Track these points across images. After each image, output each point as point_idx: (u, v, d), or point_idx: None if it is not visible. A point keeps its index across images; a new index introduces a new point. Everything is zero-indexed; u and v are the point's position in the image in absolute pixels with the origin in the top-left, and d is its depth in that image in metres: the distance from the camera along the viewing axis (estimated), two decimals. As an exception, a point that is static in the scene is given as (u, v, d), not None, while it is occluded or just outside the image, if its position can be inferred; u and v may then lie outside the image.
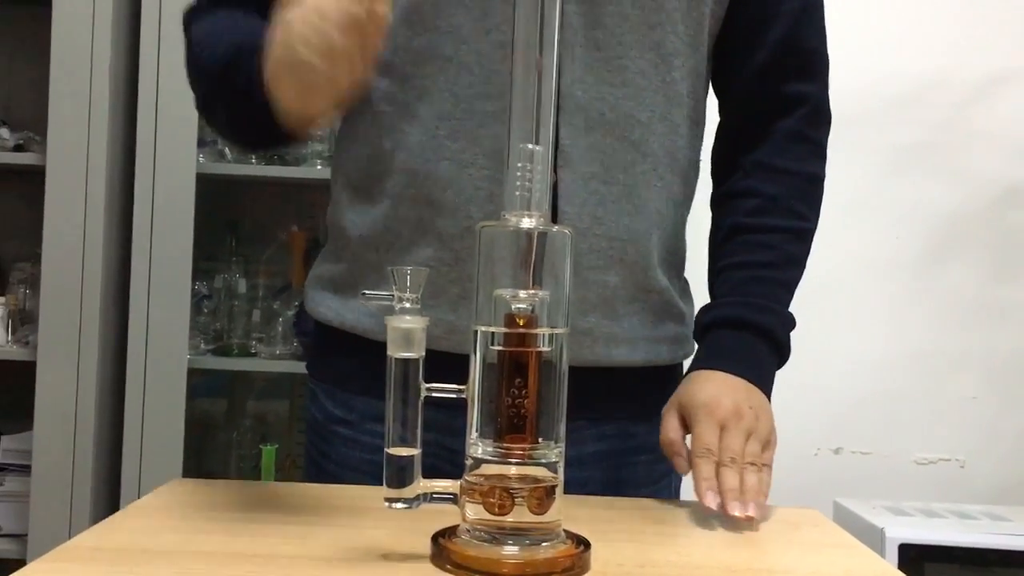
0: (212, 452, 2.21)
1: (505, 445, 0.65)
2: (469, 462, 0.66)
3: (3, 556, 1.86)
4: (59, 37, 1.84)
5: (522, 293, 0.65)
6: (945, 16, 2.17)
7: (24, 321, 2.01)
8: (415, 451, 0.65)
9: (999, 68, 2.17)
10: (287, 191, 2.23)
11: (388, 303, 0.66)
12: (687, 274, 1.02)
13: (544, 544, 0.65)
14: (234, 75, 0.81)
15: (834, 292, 2.12)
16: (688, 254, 1.02)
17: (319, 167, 2.01)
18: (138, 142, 1.88)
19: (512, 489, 0.64)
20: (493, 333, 0.65)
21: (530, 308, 0.65)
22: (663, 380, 0.96)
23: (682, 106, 0.93)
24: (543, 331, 0.66)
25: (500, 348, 0.65)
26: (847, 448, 2.16)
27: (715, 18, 0.94)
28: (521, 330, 0.65)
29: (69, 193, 1.85)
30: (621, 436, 0.96)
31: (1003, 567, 1.62)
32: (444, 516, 0.69)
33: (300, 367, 1.91)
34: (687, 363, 0.97)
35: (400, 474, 0.65)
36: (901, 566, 1.59)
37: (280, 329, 2.06)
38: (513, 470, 0.65)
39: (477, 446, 0.66)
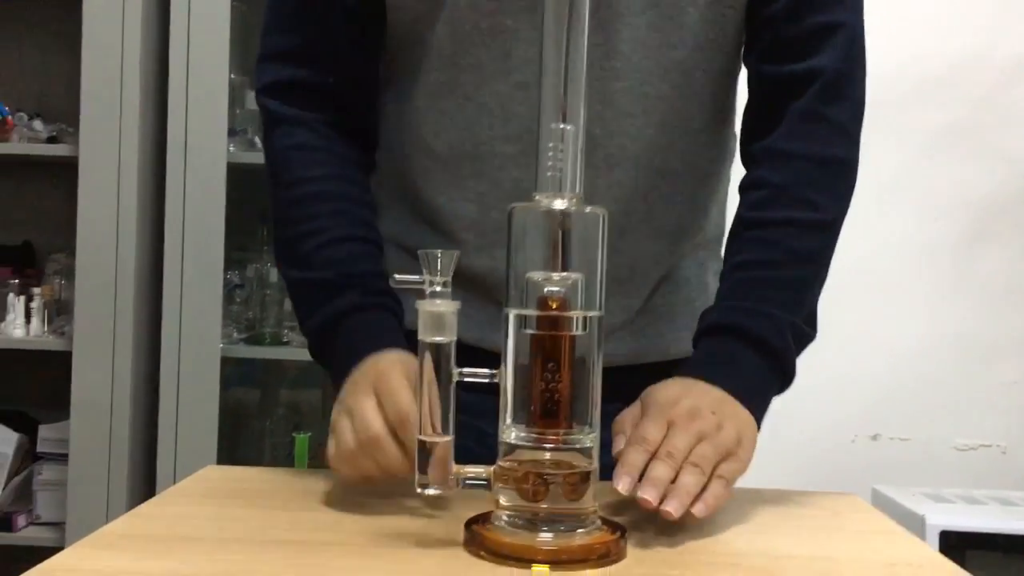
0: (246, 441, 2.22)
1: (539, 430, 0.64)
2: (502, 448, 0.65)
3: (41, 544, 1.88)
4: (90, 30, 1.85)
5: (555, 275, 0.64)
6: (983, -7, 2.13)
7: (60, 312, 2.02)
8: (447, 437, 0.64)
9: (1040, 46, 2.12)
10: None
11: (419, 287, 0.65)
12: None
13: (579, 531, 0.64)
14: (308, 302, 0.87)
15: (871, 277, 2.08)
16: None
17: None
18: (169, 133, 1.88)
19: (546, 475, 0.63)
20: (526, 316, 0.64)
21: (563, 291, 0.64)
22: None
23: (704, 111, 0.90)
24: (576, 314, 0.64)
25: (533, 332, 0.64)
26: (885, 435, 2.13)
27: (736, 8, 0.89)
28: (554, 313, 0.64)
29: (102, 184, 1.86)
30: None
31: (1047, 554, 1.59)
32: (477, 502, 0.68)
33: (332, 355, 1.90)
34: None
35: (433, 460, 0.64)
36: (942, 553, 1.55)
37: (312, 318, 2.05)
38: (547, 456, 0.64)
39: (510, 431, 0.65)
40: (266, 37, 0.92)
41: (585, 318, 0.65)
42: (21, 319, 1.96)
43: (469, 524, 0.66)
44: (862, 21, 0.88)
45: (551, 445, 0.64)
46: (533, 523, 0.64)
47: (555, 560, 0.62)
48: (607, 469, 0.68)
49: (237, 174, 1.94)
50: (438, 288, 0.64)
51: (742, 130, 0.93)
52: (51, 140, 2.00)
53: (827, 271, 0.87)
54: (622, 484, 0.67)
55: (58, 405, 1.93)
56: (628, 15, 0.84)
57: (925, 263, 2.14)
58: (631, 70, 0.85)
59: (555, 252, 0.64)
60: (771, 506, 0.81)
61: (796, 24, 0.86)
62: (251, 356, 2.05)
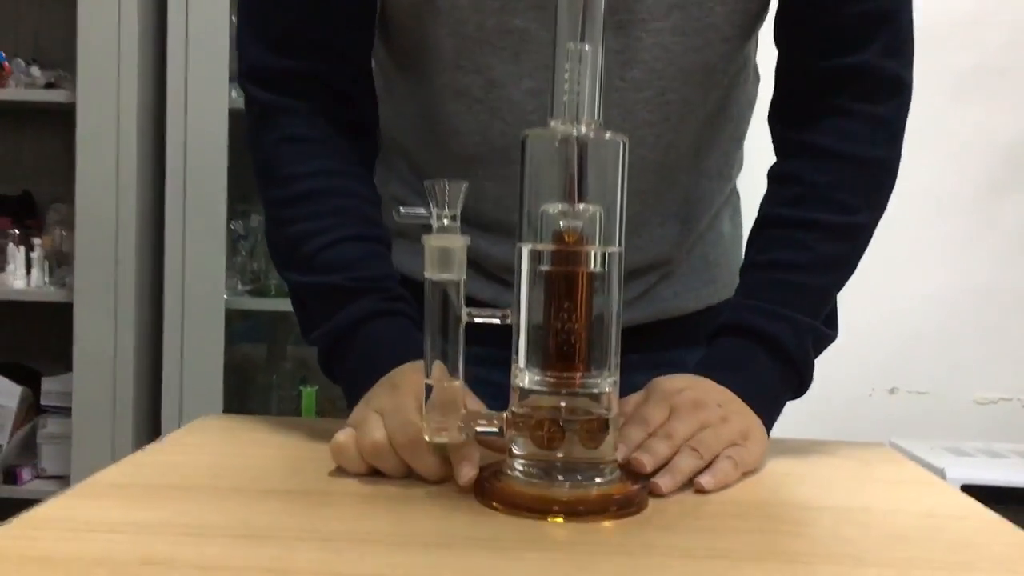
0: (253, 394, 2.20)
1: (554, 374, 0.60)
2: (515, 393, 0.61)
3: (47, 498, 1.86)
4: (86, -28, 1.80)
5: (571, 208, 0.59)
6: (1012, -70, 2.04)
7: (61, 263, 1.99)
8: (457, 381, 0.60)
9: (1070, -15, 2.04)
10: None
11: (425, 221, 0.60)
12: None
13: (597, 480, 0.60)
14: (316, 308, 0.78)
15: (891, 226, 1.99)
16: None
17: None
18: (168, 78, 1.83)
19: (563, 421, 0.59)
20: (540, 252, 0.60)
21: (580, 224, 0.59)
22: (714, 309, 0.93)
23: (724, 104, 0.86)
24: (594, 249, 0.60)
25: (547, 268, 0.60)
26: (903, 388, 2.09)
27: None
28: (570, 248, 0.59)
29: (100, 131, 1.82)
30: (674, 365, 0.91)
31: (1070, 508, 1.56)
32: (487, 453, 0.64)
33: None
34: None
35: (441, 406, 0.60)
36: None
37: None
38: (563, 401, 0.60)
39: (524, 375, 0.61)
40: (246, 16, 0.82)
41: (604, 254, 0.60)
42: (22, 270, 1.93)
43: (481, 473, 0.62)
44: (910, 7, 0.80)
45: (567, 390, 0.60)
46: (548, 472, 0.60)
47: (572, 511, 0.58)
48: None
49: (240, 120, 1.88)
50: (446, 222, 0.60)
51: (773, 115, 0.86)
52: (49, 86, 1.95)
53: (853, 273, 0.82)
54: (618, 452, 0.63)
55: (61, 358, 1.91)
56: (651, 20, 0.77)
57: (946, 211, 2.08)
58: (653, 79, 0.79)
59: (571, 182, 0.60)
60: (797, 456, 0.78)
61: (840, 14, 0.78)
62: (256, 308, 2.01)
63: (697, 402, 0.70)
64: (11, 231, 1.97)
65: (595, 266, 0.60)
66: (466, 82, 0.80)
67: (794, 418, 0.85)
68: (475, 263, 0.87)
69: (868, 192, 0.81)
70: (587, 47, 0.59)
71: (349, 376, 0.76)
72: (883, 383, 2.09)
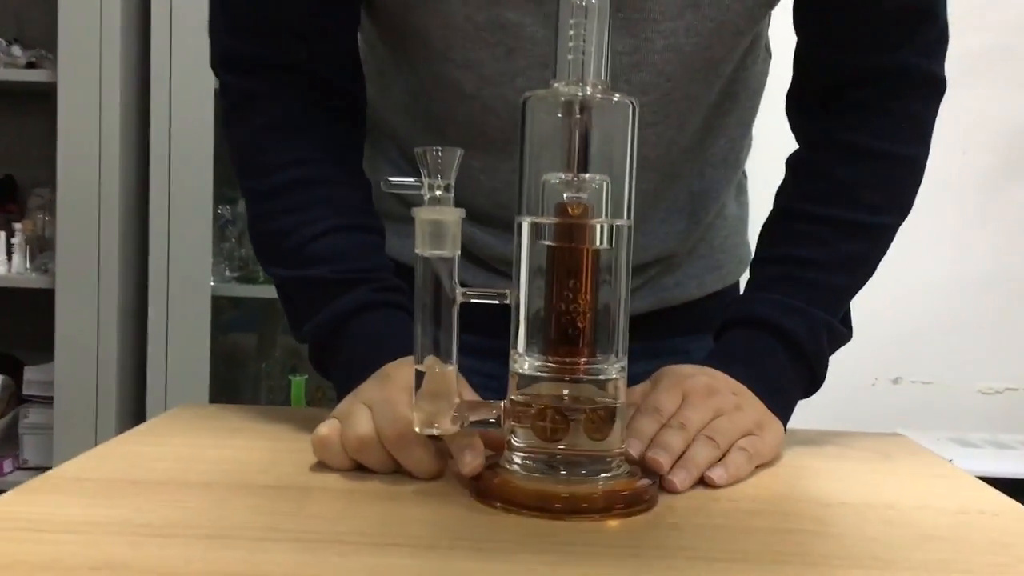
0: (242, 384, 2.15)
1: (556, 359, 0.55)
2: (514, 380, 0.56)
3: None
4: (68, -52, 1.74)
5: (576, 178, 0.54)
6: (1021, -91, 1.99)
7: (43, 248, 1.93)
8: (450, 367, 0.55)
9: (1080, -34, 1.99)
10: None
11: (415, 192, 0.55)
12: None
13: (603, 475, 0.55)
14: (305, 302, 0.73)
15: (895, 212, 1.98)
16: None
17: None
18: (152, 57, 1.77)
19: (567, 411, 0.54)
20: (541, 225, 0.55)
21: (586, 195, 0.54)
22: (719, 295, 0.89)
23: (728, 97, 0.80)
24: (601, 222, 0.55)
25: (550, 243, 0.55)
26: (907, 377, 2.04)
27: None
28: (575, 221, 0.54)
29: (82, 112, 1.76)
30: (676, 354, 0.86)
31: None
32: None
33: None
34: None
35: (433, 395, 0.55)
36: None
37: (308, 255, 1.96)
38: (566, 389, 0.55)
39: (523, 361, 0.56)
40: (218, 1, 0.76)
41: (611, 227, 0.55)
42: (2, 256, 1.88)
43: (475, 467, 0.57)
44: (946, 2, 0.75)
45: (571, 376, 0.55)
46: (550, 466, 0.55)
47: (575, 509, 0.53)
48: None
49: (226, 102, 1.83)
50: (439, 192, 0.55)
51: (793, 104, 0.81)
52: (30, 66, 1.89)
53: (872, 274, 0.78)
54: (632, 447, 0.59)
55: (43, 346, 1.85)
56: (663, 19, 0.71)
57: (951, 197, 2.03)
58: (661, 80, 0.73)
59: (576, 150, 0.55)
60: (811, 447, 0.73)
61: (878, 8, 0.73)
62: (244, 295, 1.96)
63: (710, 388, 0.66)
64: (-9, 215, 1.92)
65: (602, 241, 0.55)
66: (457, 75, 0.74)
67: (795, 408, 0.82)
68: (470, 253, 0.82)
69: (895, 192, 0.77)
70: (594, 2, 0.54)
71: (341, 372, 0.70)
72: (887, 372, 2.05)
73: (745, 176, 0.94)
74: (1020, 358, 2.04)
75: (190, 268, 1.80)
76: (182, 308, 1.81)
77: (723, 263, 0.89)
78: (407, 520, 0.52)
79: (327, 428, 0.60)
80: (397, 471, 0.59)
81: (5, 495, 0.53)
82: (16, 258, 1.88)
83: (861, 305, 0.78)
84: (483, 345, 0.74)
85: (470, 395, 0.62)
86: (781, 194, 0.79)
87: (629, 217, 0.56)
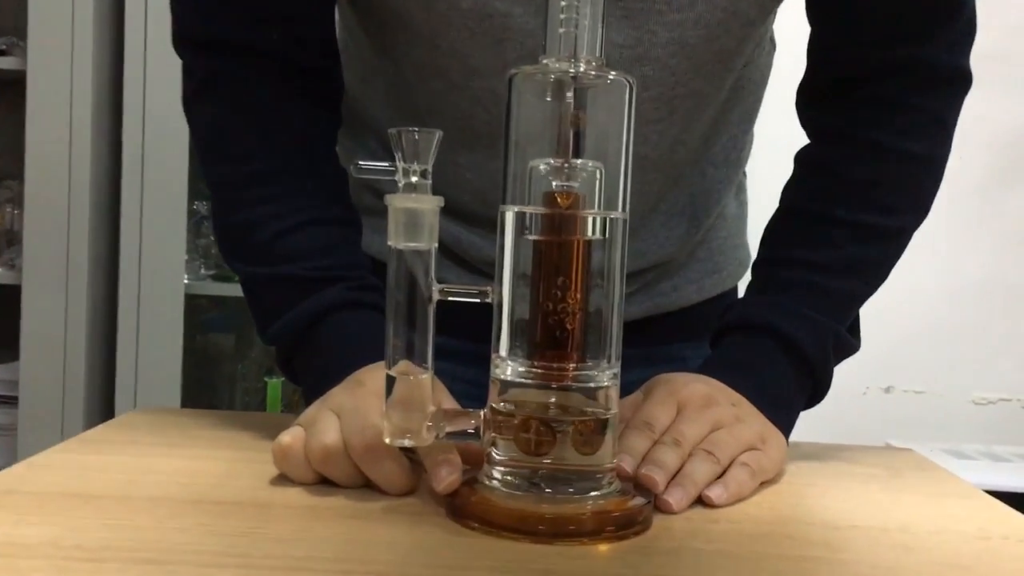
0: (217, 386, 2.09)
1: (543, 364, 0.49)
2: (495, 386, 0.51)
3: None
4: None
5: (566, 164, 0.49)
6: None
7: (11, 243, 1.87)
8: (425, 373, 0.50)
9: (1078, -31, 1.96)
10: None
11: (389, 177, 0.50)
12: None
13: (593, 493, 0.50)
14: (273, 301, 0.68)
15: (888, 217, 1.94)
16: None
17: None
18: (126, 45, 1.71)
19: (553, 422, 0.49)
20: (527, 216, 0.49)
21: (576, 184, 0.49)
22: (718, 299, 0.84)
23: (733, 90, 0.75)
24: (593, 214, 0.50)
25: (536, 237, 0.49)
26: (898, 387, 2.00)
27: None
28: (564, 212, 0.49)
29: (52, 101, 1.70)
30: (672, 360, 0.81)
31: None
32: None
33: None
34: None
35: (406, 402, 0.50)
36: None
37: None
38: (553, 398, 0.50)
39: (506, 366, 0.50)
40: None
41: (605, 220, 0.50)
42: (-32, 250, 1.80)
43: (451, 483, 0.51)
44: None
45: (558, 384, 0.50)
46: (534, 483, 0.49)
47: (561, 532, 0.48)
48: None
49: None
50: (415, 179, 0.49)
51: (805, 98, 0.76)
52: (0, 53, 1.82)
53: (884, 280, 0.73)
54: (625, 463, 0.54)
55: (9, 344, 1.79)
56: (669, 11, 0.65)
57: (947, 202, 1.97)
58: (665, 75, 0.68)
59: (567, 133, 0.49)
60: (814, 462, 0.68)
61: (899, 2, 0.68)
62: (218, 293, 1.90)
63: (708, 398, 0.61)
64: (-43, 208, 1.85)
65: (594, 234, 0.50)
66: (443, 64, 0.69)
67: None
68: (454, 254, 0.77)
69: (913, 192, 0.71)
70: (588, -30, 0.49)
71: (311, 376, 0.65)
72: (878, 381, 2.00)
73: (745, 174, 0.89)
74: (1014, 367, 2.00)
75: (163, 265, 1.74)
76: (154, 306, 1.74)
77: (722, 266, 0.84)
78: (374, 542, 0.46)
79: (290, 437, 0.55)
80: (365, 486, 0.54)
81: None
82: (-18, 252, 1.81)
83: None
84: (466, 349, 0.69)
85: (449, 403, 0.57)
86: (788, 192, 0.74)
87: (624, 210, 0.51)
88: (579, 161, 0.49)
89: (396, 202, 0.49)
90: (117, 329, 1.75)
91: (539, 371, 0.49)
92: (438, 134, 0.49)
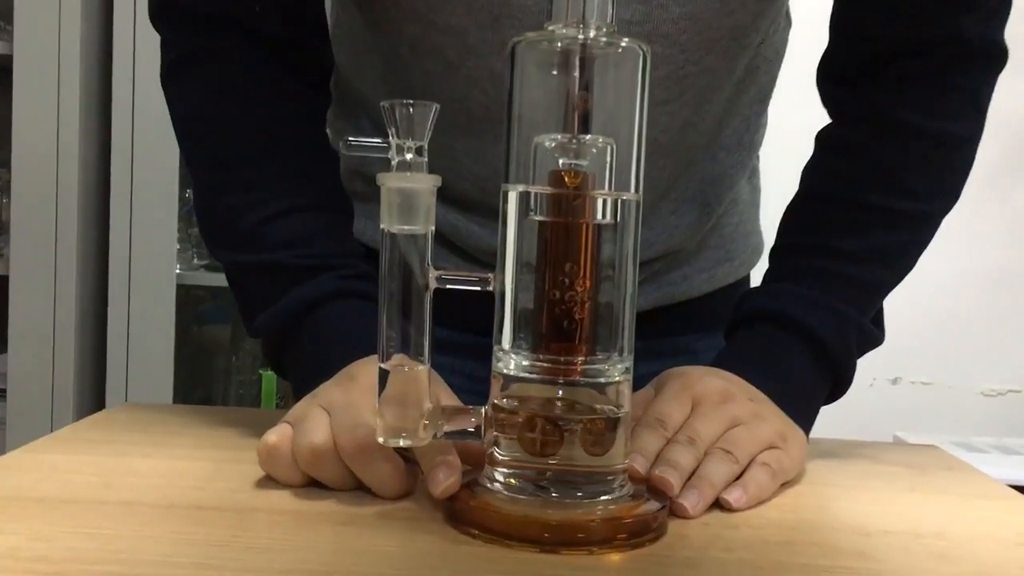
0: (211, 379, 2.05)
1: (549, 357, 0.46)
2: (498, 382, 0.47)
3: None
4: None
5: (574, 140, 0.45)
6: None
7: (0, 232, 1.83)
8: (422, 366, 0.46)
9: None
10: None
11: (381, 155, 0.46)
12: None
13: (603, 498, 0.46)
14: (260, 290, 0.64)
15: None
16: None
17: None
18: (115, 29, 1.67)
19: (560, 419, 0.45)
20: (533, 196, 0.45)
21: (585, 162, 0.45)
22: (730, 288, 0.80)
23: (747, 69, 0.71)
24: (604, 194, 0.46)
25: (542, 219, 0.45)
26: (906, 378, 1.97)
27: None
28: (572, 192, 0.45)
29: (40, 86, 1.66)
30: (681, 353, 0.77)
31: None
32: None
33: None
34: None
35: (401, 398, 0.46)
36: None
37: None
38: (560, 393, 0.46)
39: (509, 359, 0.46)
40: None
41: (616, 201, 0.46)
42: (-46, 239, 1.77)
43: (449, 486, 0.48)
44: None
45: (566, 378, 0.46)
46: (539, 486, 0.45)
47: (569, 540, 0.44)
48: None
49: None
50: (409, 156, 0.45)
51: (827, 74, 0.71)
52: (-15, 38, 1.78)
53: (912, 268, 0.69)
54: (637, 463, 0.51)
55: (-3, 336, 1.76)
56: None
57: (955, 192, 1.95)
58: (675, 53, 0.64)
59: (575, 106, 0.45)
60: (834, 460, 0.64)
61: None
62: (211, 284, 1.87)
63: (724, 393, 0.57)
64: (-57, 197, 1.81)
65: (604, 216, 0.46)
66: (439, 41, 0.65)
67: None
68: (453, 244, 0.73)
69: (943, 176, 0.67)
70: (598, -73, 0.45)
71: (299, 370, 0.61)
72: (885, 372, 1.97)
73: (758, 158, 0.85)
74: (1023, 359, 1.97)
75: (154, 255, 1.71)
76: (145, 297, 1.71)
77: (735, 254, 0.80)
78: (365, 552, 0.42)
79: (276, 435, 0.51)
80: (357, 489, 0.50)
81: None
82: (-32, 242, 1.78)
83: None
84: (465, 342, 0.65)
85: (448, 399, 0.53)
86: (811, 175, 0.69)
87: (638, 191, 0.47)
88: (588, 137, 0.45)
89: (389, 182, 0.45)
90: (107, 321, 1.72)
91: (545, 365, 0.46)
92: (435, 107, 0.45)
